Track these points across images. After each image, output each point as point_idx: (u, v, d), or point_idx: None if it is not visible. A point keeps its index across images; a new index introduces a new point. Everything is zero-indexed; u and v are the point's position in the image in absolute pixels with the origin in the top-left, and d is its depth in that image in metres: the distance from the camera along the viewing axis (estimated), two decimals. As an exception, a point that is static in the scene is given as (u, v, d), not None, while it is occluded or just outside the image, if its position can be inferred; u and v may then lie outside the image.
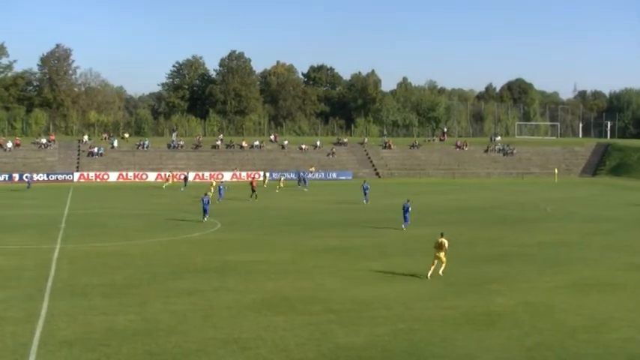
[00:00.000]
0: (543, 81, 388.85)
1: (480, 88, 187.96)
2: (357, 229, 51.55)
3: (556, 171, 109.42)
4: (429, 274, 33.40)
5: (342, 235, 48.44)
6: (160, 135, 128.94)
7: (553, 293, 30.79)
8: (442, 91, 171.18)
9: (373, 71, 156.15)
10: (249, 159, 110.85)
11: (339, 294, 30.15)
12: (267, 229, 51.36)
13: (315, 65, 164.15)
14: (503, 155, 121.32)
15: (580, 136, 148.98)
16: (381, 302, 28.57)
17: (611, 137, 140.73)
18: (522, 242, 45.48)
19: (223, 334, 24.00)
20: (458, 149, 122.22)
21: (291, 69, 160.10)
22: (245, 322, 25.41)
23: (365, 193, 70.91)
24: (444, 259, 33.69)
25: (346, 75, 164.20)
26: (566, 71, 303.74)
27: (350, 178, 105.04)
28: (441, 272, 33.85)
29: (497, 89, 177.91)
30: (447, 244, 33.65)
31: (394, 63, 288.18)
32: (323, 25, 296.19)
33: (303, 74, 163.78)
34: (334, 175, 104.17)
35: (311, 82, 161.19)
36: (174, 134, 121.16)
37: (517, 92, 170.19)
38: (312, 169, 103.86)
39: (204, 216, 55.38)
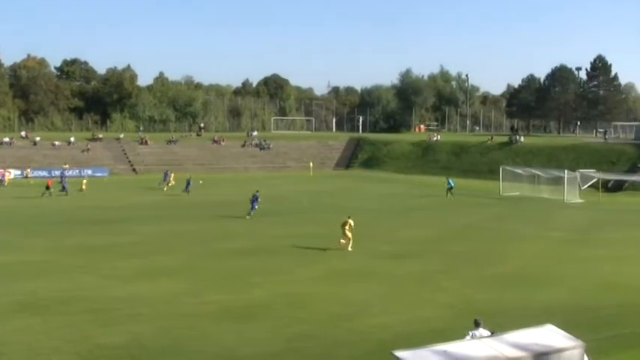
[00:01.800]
0: (299, 77, 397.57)
1: (236, 83, 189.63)
2: (118, 226, 50.56)
3: (311, 164, 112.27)
4: (349, 247, 39.85)
5: (102, 232, 47.27)
6: None
7: (312, 284, 31.79)
8: (199, 86, 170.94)
9: (129, 66, 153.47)
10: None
11: (99, 293, 29.57)
12: (25, 228, 49.08)
13: (69, 59, 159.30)
14: (260, 150, 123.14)
15: (334, 130, 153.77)
16: (141, 300, 28.32)
17: (363, 132, 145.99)
18: (278, 234, 46.46)
19: (-26, 340, 22.89)
20: (215, 144, 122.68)
21: (42, 62, 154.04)
22: (-3, 327, 24.37)
23: (187, 187, 73.84)
24: (350, 234, 40.03)
25: (101, 69, 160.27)
26: (320, 68, 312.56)
27: (106, 174, 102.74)
28: (350, 248, 39.68)
29: (254, 84, 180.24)
30: (352, 223, 40.41)
31: (150, 57, 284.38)
32: (76, 17, 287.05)
33: (55, 68, 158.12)
34: (89, 172, 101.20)
35: (64, 77, 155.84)
36: None
37: (273, 88, 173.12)
38: (67, 166, 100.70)
39: None
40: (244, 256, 38.50)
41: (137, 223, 52.42)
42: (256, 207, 54.95)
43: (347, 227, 40.40)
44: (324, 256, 38.93)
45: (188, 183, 74.38)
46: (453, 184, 73.20)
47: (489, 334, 17.25)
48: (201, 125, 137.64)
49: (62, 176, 79.61)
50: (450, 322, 24.74)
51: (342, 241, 40.38)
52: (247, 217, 54.12)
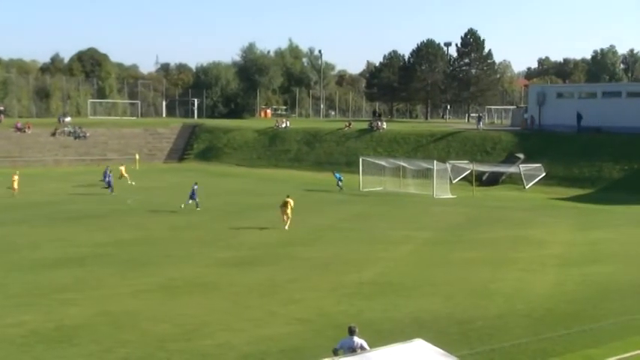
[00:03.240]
0: (120, 51, 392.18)
1: (44, 58, 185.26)
2: None
3: (137, 157, 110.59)
4: (286, 227, 48.57)
5: None
6: None
7: (137, 299, 31.36)
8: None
9: None
10: None
11: None
12: None
13: None
14: (75, 139, 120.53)
15: (164, 115, 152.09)
16: None
17: (199, 117, 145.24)
18: (98, 241, 45.61)
19: None
20: (19, 132, 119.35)
21: None
22: None
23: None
24: (290, 214, 48.84)
25: None
26: (146, 41, 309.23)
27: None
28: (286, 227, 48.39)
29: (66, 60, 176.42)
30: (292, 203, 49.39)
31: None
32: None
33: None
34: None
35: None
36: None
37: (90, 64, 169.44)
38: None
39: None
40: (56, 268, 37.61)
41: None
42: (197, 199, 59.91)
43: (288, 208, 49.00)
44: (152, 265, 38.46)
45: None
46: (341, 176, 77.56)
47: (364, 343, 17.40)
48: (1, 109, 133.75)
49: None
50: (305, 340, 24.96)
51: (285, 219, 48.97)
52: (197, 209, 59.30)
